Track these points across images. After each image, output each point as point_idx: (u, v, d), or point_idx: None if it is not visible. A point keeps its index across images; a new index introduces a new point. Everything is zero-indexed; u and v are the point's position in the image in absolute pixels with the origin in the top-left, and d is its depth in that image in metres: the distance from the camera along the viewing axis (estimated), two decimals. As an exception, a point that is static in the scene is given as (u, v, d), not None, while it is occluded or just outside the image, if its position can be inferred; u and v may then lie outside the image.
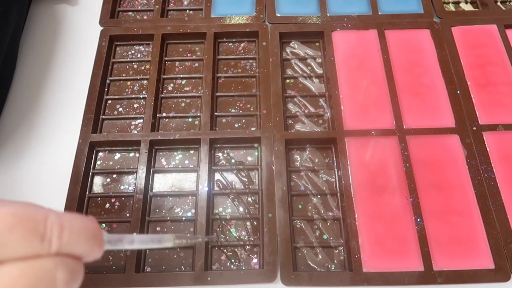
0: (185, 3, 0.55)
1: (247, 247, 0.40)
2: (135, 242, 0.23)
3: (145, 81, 0.49)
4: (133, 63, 0.50)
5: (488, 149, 0.43)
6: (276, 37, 0.50)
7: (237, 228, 0.41)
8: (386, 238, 0.39)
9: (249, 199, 0.42)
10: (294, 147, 0.45)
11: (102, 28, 0.52)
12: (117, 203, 0.42)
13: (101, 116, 0.47)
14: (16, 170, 0.44)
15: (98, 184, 0.43)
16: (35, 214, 0.19)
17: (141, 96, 0.48)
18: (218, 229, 0.41)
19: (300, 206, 0.42)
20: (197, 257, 0.38)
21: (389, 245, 0.39)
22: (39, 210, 0.19)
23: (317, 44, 0.51)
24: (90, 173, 0.44)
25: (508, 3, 0.55)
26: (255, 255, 0.40)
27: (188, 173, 0.44)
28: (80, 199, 0.41)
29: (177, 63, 0.50)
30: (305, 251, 0.39)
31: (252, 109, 0.47)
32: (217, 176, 0.43)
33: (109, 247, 0.22)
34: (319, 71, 0.49)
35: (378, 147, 0.43)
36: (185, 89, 0.49)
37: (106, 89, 0.48)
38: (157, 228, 0.41)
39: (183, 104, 0.48)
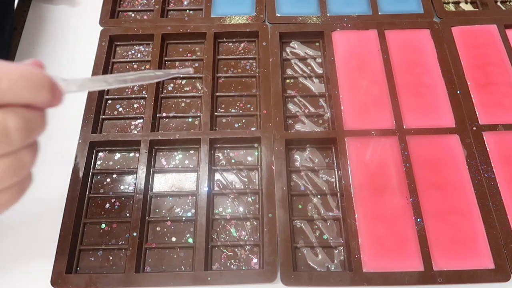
0: (185, 3, 0.55)
1: (247, 247, 0.40)
2: (98, 82, 0.23)
3: (145, 81, 0.49)
4: (133, 63, 0.50)
5: (488, 149, 0.43)
6: (276, 37, 0.50)
7: (237, 228, 0.41)
8: (386, 238, 0.39)
9: (249, 199, 0.42)
10: (294, 147, 0.45)
11: (102, 28, 0.52)
12: (117, 203, 0.42)
13: (101, 116, 0.47)
14: (16, 170, 0.44)
15: (98, 184, 0.43)
16: None
17: (141, 96, 0.48)
18: (218, 229, 0.41)
19: (300, 206, 0.42)
20: (197, 257, 0.38)
21: (389, 245, 0.39)
22: None
23: (317, 44, 0.51)
24: (90, 173, 0.44)
25: (508, 3, 0.55)
26: (255, 255, 0.40)
27: (188, 173, 0.44)
28: (80, 199, 0.41)
29: (177, 63, 0.50)
30: (305, 251, 0.39)
31: (252, 109, 0.47)
32: (217, 176, 0.43)
33: (72, 89, 0.22)
34: (319, 71, 0.49)
35: (378, 147, 0.43)
36: (185, 89, 0.49)
37: (106, 89, 0.48)
38: (157, 228, 0.41)
39: (183, 104, 0.48)
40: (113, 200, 0.42)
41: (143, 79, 0.26)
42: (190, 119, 0.47)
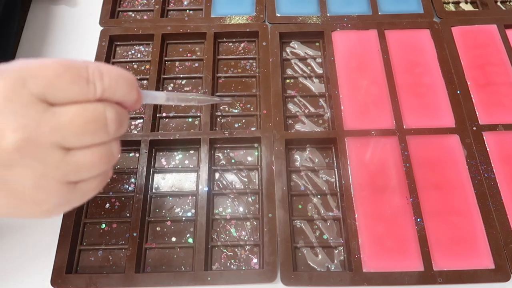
0: (185, 3, 0.55)
1: (247, 247, 0.40)
2: (169, 100, 0.27)
3: (145, 81, 0.49)
4: (133, 63, 0.50)
5: (488, 149, 0.43)
6: (276, 37, 0.50)
7: (237, 228, 0.41)
8: (386, 238, 0.39)
9: (249, 199, 0.42)
10: (294, 147, 0.45)
11: (102, 28, 0.52)
12: (117, 203, 0.42)
13: (101, 116, 0.47)
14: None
15: (98, 184, 0.43)
16: (77, 63, 0.21)
17: (141, 96, 0.48)
18: (218, 229, 0.41)
19: (300, 206, 0.42)
20: (197, 257, 0.38)
21: (389, 245, 0.39)
22: (78, 61, 0.21)
23: (317, 44, 0.51)
24: (90, 173, 0.43)
25: (508, 3, 0.55)
26: (255, 255, 0.40)
27: (188, 173, 0.44)
28: (80, 199, 0.41)
29: (177, 63, 0.50)
30: (305, 251, 0.39)
31: (252, 109, 0.47)
32: (217, 176, 0.43)
33: (147, 100, 0.25)
34: (319, 71, 0.49)
35: (378, 147, 0.43)
36: (185, 89, 0.49)
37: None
38: (157, 228, 0.41)
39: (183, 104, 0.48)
40: (113, 200, 0.42)
41: (204, 101, 0.31)
42: (190, 119, 0.47)
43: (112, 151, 0.23)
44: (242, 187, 0.43)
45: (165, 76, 0.49)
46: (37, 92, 0.20)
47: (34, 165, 0.20)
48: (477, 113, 0.45)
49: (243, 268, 0.39)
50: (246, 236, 0.40)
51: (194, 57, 0.51)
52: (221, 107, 0.47)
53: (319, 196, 0.42)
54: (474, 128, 0.44)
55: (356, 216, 0.40)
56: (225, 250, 0.40)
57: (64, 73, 0.20)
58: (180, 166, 0.44)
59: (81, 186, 0.23)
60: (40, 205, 0.22)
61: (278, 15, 0.52)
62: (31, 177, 0.21)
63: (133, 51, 0.51)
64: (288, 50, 0.51)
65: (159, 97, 0.27)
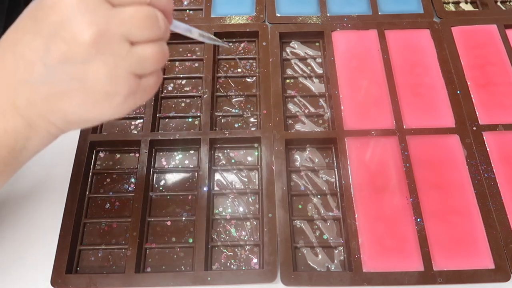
0: (185, 3, 0.55)
1: (247, 247, 0.40)
2: (181, 28, 0.29)
3: (145, 81, 0.49)
4: (133, 63, 0.50)
5: (488, 149, 0.43)
6: (276, 37, 0.50)
7: (237, 228, 0.41)
8: (386, 238, 0.39)
9: (249, 199, 0.42)
10: (294, 147, 0.45)
11: (102, 28, 0.52)
12: (117, 203, 0.42)
13: (101, 116, 0.47)
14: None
15: (98, 184, 0.43)
16: None
17: (141, 96, 0.48)
18: (218, 229, 0.41)
19: (300, 206, 0.42)
20: (197, 257, 0.38)
21: (389, 245, 0.39)
22: None
23: (317, 44, 0.51)
24: (90, 173, 0.43)
25: (508, 3, 0.55)
26: (255, 255, 0.40)
27: (188, 173, 0.44)
28: (80, 199, 0.41)
29: (177, 63, 0.50)
30: (305, 251, 0.39)
31: (252, 109, 0.47)
32: (217, 176, 0.43)
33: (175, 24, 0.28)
34: (319, 71, 0.49)
35: (378, 147, 0.43)
36: (185, 89, 0.49)
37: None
38: (157, 228, 0.41)
39: (183, 104, 0.48)
40: (113, 200, 0.42)
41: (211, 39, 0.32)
42: (190, 119, 0.47)
43: (165, 49, 0.26)
44: (242, 187, 0.43)
45: (165, 76, 0.49)
46: None
47: (107, 58, 0.23)
48: (477, 113, 0.45)
49: (243, 268, 0.39)
50: (246, 236, 0.40)
51: (194, 57, 0.51)
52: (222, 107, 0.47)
53: (319, 196, 0.42)
54: (474, 128, 0.44)
55: (356, 216, 0.40)
56: (225, 250, 0.40)
57: None
58: (180, 166, 0.44)
59: (144, 81, 0.25)
60: (112, 98, 0.24)
61: (278, 15, 0.52)
62: (105, 69, 0.23)
63: (133, 51, 0.51)
64: (288, 50, 0.51)
65: (181, 27, 0.29)
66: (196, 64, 0.50)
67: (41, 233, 0.40)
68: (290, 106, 0.47)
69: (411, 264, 0.38)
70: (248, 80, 0.49)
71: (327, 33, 0.50)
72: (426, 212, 0.40)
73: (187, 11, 0.55)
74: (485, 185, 0.41)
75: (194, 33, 0.30)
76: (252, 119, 0.46)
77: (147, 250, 0.40)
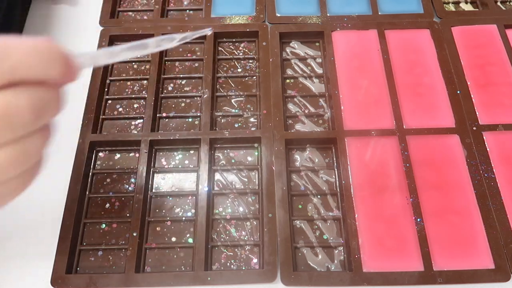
0: (185, 3, 0.55)
1: (247, 247, 0.40)
2: (115, 53, 0.21)
3: (145, 81, 0.49)
4: (133, 63, 0.50)
5: (488, 149, 0.43)
6: (276, 37, 0.50)
7: (237, 228, 0.41)
8: (386, 238, 0.39)
9: (249, 199, 0.42)
10: (294, 147, 0.45)
11: (102, 28, 0.52)
12: (117, 203, 0.42)
13: (101, 116, 0.47)
14: (16, 170, 0.44)
15: (98, 184, 0.43)
16: None
17: (141, 96, 0.48)
18: (218, 229, 0.41)
19: (300, 206, 0.42)
20: (197, 257, 0.38)
21: (389, 245, 0.39)
22: None
23: (317, 44, 0.51)
24: (90, 173, 0.43)
25: (508, 3, 0.54)
26: (255, 255, 0.40)
27: (188, 173, 0.44)
28: (80, 199, 0.41)
29: (177, 63, 0.50)
30: (305, 251, 0.39)
31: (252, 109, 0.47)
32: (217, 176, 0.43)
33: (87, 63, 0.20)
34: (319, 71, 0.49)
35: (378, 147, 0.43)
36: (185, 89, 0.49)
37: (106, 89, 0.48)
38: (157, 228, 0.41)
39: (183, 104, 0.48)
40: (113, 200, 0.42)
41: (163, 43, 0.24)
42: (190, 119, 0.47)
43: (28, 149, 0.19)
44: (242, 187, 0.43)
45: (165, 76, 0.49)
46: None
47: None
48: (477, 113, 0.45)
49: (243, 268, 0.39)
50: (246, 236, 0.40)
51: (194, 57, 0.51)
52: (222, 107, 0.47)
53: (319, 196, 0.42)
54: (474, 128, 0.44)
55: (356, 216, 0.40)
56: (225, 250, 0.40)
57: None
58: (180, 166, 0.44)
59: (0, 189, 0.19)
60: None
61: (278, 15, 0.52)
62: None
63: (133, 51, 0.51)
64: (288, 50, 0.51)
65: (100, 56, 0.22)
66: (196, 64, 0.50)
67: (41, 233, 0.40)
68: (290, 106, 0.47)
69: (411, 264, 0.38)
70: (248, 80, 0.49)
71: (327, 33, 0.50)
72: (426, 212, 0.40)
73: (187, 11, 0.55)
74: (485, 185, 0.41)
75: (151, 45, 0.24)
76: (252, 119, 0.46)
77: (147, 250, 0.40)
